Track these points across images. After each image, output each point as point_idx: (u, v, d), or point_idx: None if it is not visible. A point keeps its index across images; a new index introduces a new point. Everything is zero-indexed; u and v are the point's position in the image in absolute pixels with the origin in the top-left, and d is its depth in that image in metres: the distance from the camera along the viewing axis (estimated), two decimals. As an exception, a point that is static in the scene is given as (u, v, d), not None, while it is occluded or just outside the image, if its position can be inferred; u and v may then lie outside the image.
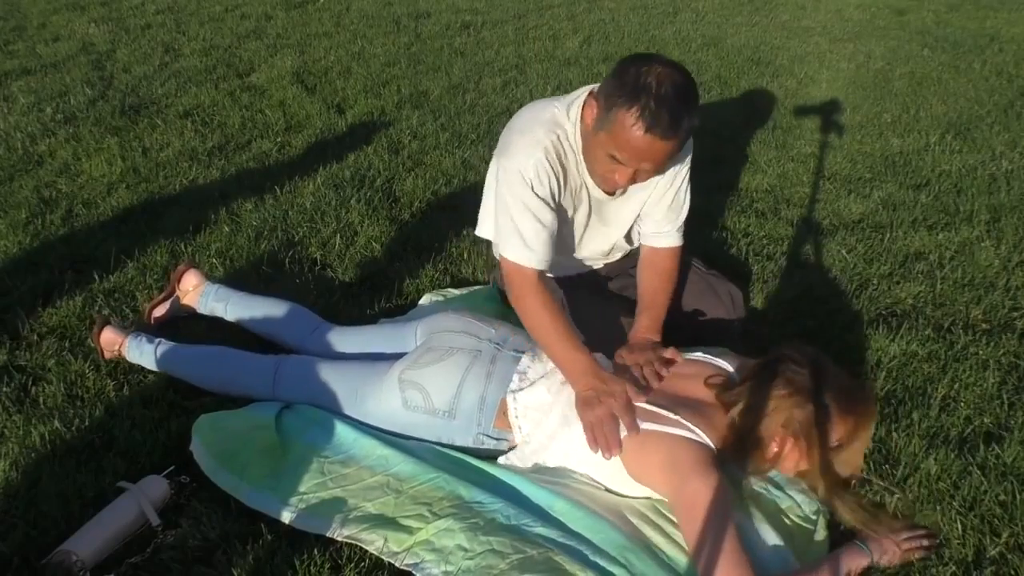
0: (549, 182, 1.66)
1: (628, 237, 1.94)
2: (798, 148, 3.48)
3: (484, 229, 1.94)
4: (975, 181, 3.18)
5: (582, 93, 1.69)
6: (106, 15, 5.47)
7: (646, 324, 1.79)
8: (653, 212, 1.86)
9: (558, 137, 1.67)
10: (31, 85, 4.04)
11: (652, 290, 1.85)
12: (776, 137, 3.61)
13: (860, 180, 3.19)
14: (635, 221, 1.90)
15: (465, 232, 2.63)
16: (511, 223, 1.67)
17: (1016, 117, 3.95)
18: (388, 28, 5.30)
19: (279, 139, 3.42)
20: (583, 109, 1.65)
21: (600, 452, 1.47)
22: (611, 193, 1.77)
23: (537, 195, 1.65)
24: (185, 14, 5.57)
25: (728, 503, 1.36)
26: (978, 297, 2.34)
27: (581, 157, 1.70)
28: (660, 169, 1.63)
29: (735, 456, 1.48)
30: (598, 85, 1.65)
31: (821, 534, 1.51)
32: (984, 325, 2.22)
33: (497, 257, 1.80)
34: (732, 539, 1.31)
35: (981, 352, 2.08)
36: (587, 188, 1.76)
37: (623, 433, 1.47)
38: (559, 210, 1.72)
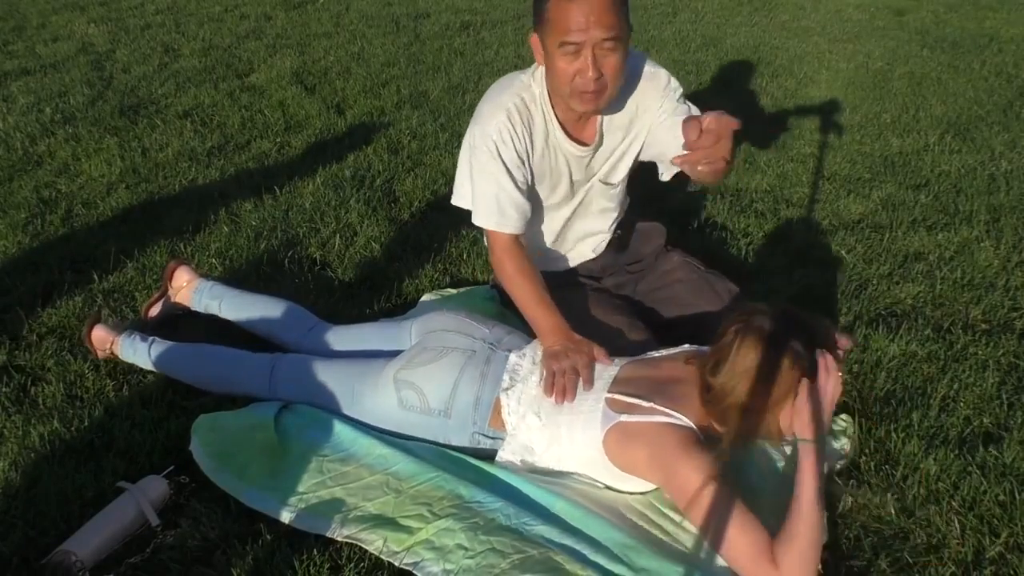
0: (514, 142, 1.70)
1: (607, 182, 1.89)
2: (797, 148, 3.48)
3: (459, 197, 1.93)
4: (974, 181, 3.18)
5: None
6: (105, 15, 5.47)
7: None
8: (667, 132, 1.74)
9: (523, 99, 1.72)
10: (30, 85, 4.04)
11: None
12: (775, 137, 3.61)
13: (859, 180, 3.19)
14: (615, 165, 1.88)
15: (465, 232, 2.63)
16: (481, 188, 1.73)
17: (1015, 117, 3.95)
18: (388, 28, 5.30)
19: (278, 139, 3.42)
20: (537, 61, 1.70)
21: (553, 397, 1.55)
22: (586, 144, 1.78)
23: (502, 158, 1.70)
24: (184, 14, 5.57)
25: (719, 475, 1.37)
26: (978, 297, 2.34)
27: (552, 115, 1.73)
28: (613, 30, 1.56)
29: (741, 433, 1.46)
30: None
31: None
32: (984, 325, 2.23)
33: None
34: (738, 509, 1.32)
35: (980, 352, 2.08)
36: (559, 145, 1.78)
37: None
38: (536, 175, 1.77)
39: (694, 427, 1.45)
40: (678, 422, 1.44)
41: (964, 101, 4.19)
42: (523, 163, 1.73)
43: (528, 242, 1.86)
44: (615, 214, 1.99)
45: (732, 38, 5.33)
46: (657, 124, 1.80)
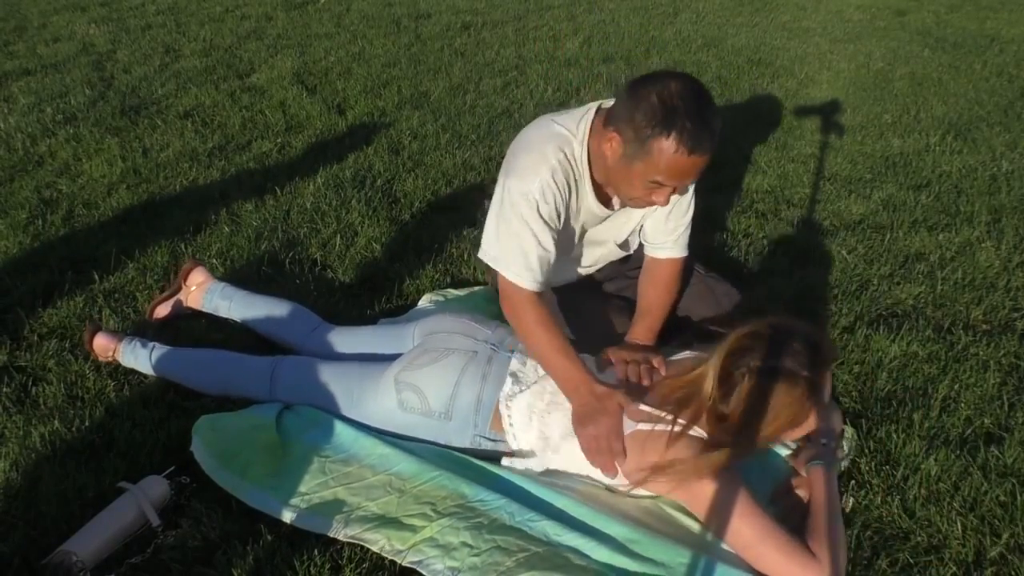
0: (555, 201, 1.64)
1: (624, 244, 1.94)
2: (798, 149, 3.48)
3: (484, 251, 1.80)
4: (975, 182, 3.18)
5: (589, 110, 1.67)
6: (106, 16, 5.48)
7: (640, 332, 1.80)
8: (652, 222, 1.85)
9: (565, 156, 1.64)
10: (31, 86, 4.05)
11: (649, 300, 1.86)
12: (776, 138, 3.61)
13: (860, 181, 3.19)
14: (633, 230, 1.90)
15: (465, 232, 2.63)
16: (512, 243, 1.65)
17: (1016, 118, 3.95)
18: (388, 29, 5.30)
19: (279, 140, 3.42)
20: (600, 141, 1.60)
21: (599, 470, 1.51)
22: (609, 207, 1.77)
23: (542, 216, 1.63)
24: (185, 15, 5.57)
25: (740, 484, 1.37)
26: (978, 298, 2.34)
27: (586, 175, 1.68)
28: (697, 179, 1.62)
29: (739, 446, 1.47)
30: (606, 104, 1.65)
31: None
32: (984, 326, 2.22)
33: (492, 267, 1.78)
34: (761, 515, 1.34)
35: (981, 353, 2.08)
36: (586, 205, 1.74)
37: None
38: (563, 228, 1.72)
39: (708, 438, 1.45)
40: (695, 433, 1.45)
41: (965, 102, 4.19)
42: (559, 220, 1.67)
43: None
44: (626, 235, 1.97)
45: (733, 39, 5.33)
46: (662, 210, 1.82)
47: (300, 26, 5.31)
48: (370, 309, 2.22)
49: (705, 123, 1.46)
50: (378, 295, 2.28)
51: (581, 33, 5.33)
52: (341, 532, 1.45)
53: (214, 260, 2.43)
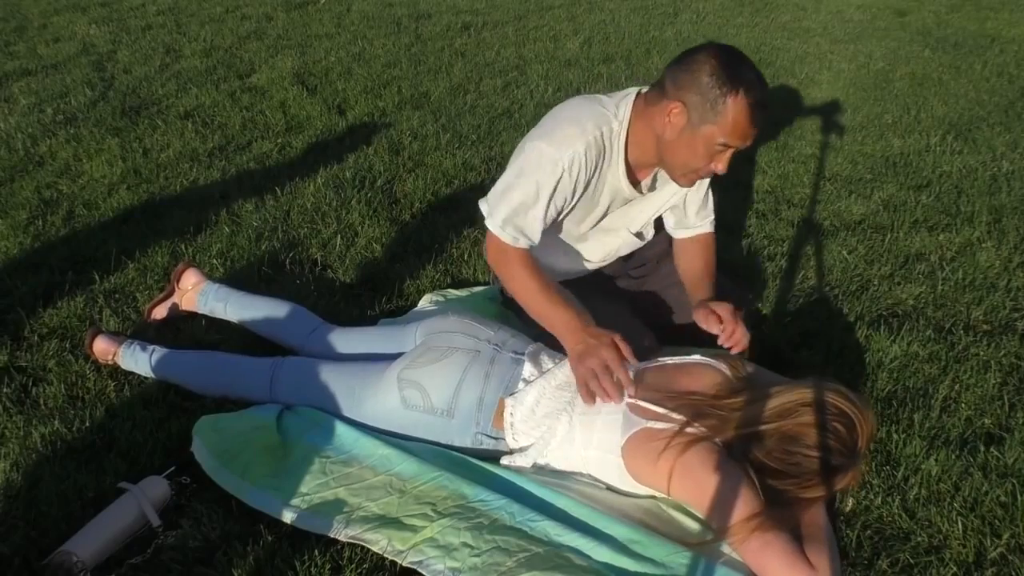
0: (579, 176, 1.65)
1: (638, 234, 1.94)
2: (799, 149, 3.48)
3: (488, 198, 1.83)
4: (976, 182, 3.18)
5: (628, 93, 1.69)
6: (107, 16, 5.48)
7: (705, 292, 1.81)
8: (686, 206, 1.89)
9: (601, 134, 1.66)
10: (32, 86, 4.05)
11: (697, 268, 1.88)
12: (777, 138, 3.61)
13: (861, 181, 3.19)
14: (650, 219, 1.92)
15: (466, 233, 2.63)
16: (518, 198, 1.65)
17: (1017, 118, 3.95)
18: (389, 29, 5.30)
19: (280, 140, 3.42)
20: (654, 117, 1.62)
21: (598, 400, 1.51)
22: (639, 188, 1.79)
23: (560, 184, 1.64)
24: (186, 15, 5.57)
25: (754, 490, 1.37)
26: (979, 298, 2.34)
27: (621, 156, 1.70)
28: None
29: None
30: (644, 89, 1.68)
31: None
32: (985, 326, 2.22)
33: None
34: (769, 519, 1.33)
35: (982, 353, 2.08)
36: (615, 185, 1.76)
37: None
38: (580, 206, 1.74)
39: (718, 441, 1.45)
40: (705, 435, 1.44)
41: (965, 102, 4.19)
42: (573, 197, 1.69)
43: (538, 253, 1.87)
44: (643, 223, 1.98)
45: (733, 39, 5.33)
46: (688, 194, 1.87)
47: (300, 26, 5.31)
48: (370, 309, 2.22)
49: (764, 82, 1.55)
50: (378, 295, 2.29)
51: (581, 33, 5.33)
52: (342, 532, 1.45)
53: (214, 260, 2.43)
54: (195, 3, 5.92)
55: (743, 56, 1.56)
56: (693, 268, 1.90)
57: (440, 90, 4.11)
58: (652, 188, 1.83)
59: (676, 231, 1.95)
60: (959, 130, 3.75)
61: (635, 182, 1.78)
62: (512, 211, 1.66)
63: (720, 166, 1.62)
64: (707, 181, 1.89)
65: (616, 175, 1.73)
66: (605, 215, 1.84)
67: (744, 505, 1.34)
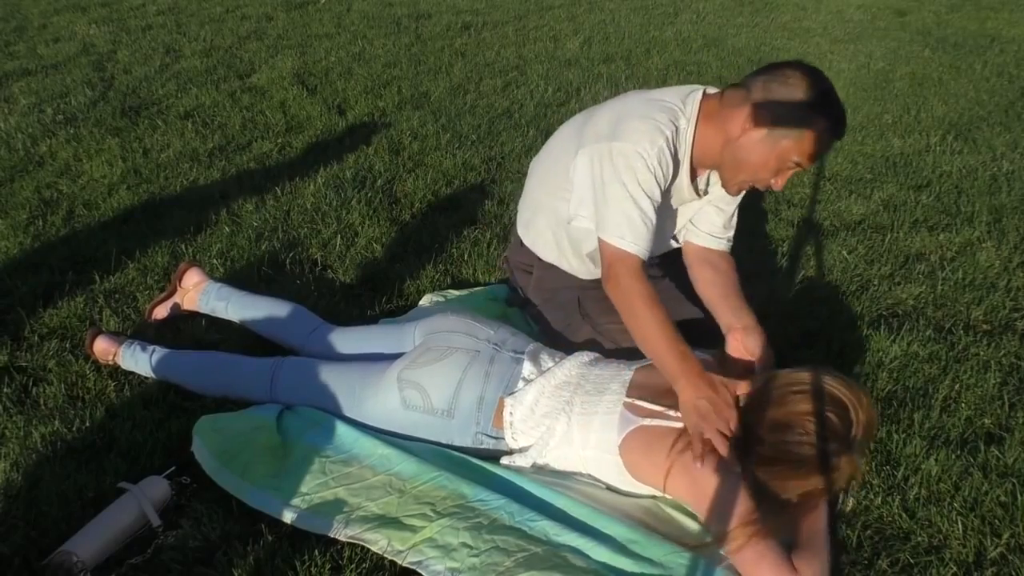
0: (666, 171, 1.63)
1: (676, 238, 1.93)
2: (799, 149, 3.48)
3: (581, 216, 1.76)
4: (976, 182, 3.18)
5: (695, 90, 1.68)
6: (107, 16, 5.48)
7: (747, 323, 1.71)
8: (717, 215, 1.85)
9: (677, 130, 1.64)
10: (32, 86, 4.05)
11: (723, 292, 1.80)
12: (777, 138, 3.60)
13: (861, 181, 3.19)
14: (686, 223, 1.89)
15: (466, 233, 2.63)
16: (618, 206, 1.61)
17: (1017, 118, 3.95)
18: (389, 29, 5.31)
19: (280, 140, 3.42)
20: (730, 121, 1.60)
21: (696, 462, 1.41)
22: (697, 191, 1.78)
23: (656, 181, 1.61)
24: (186, 15, 5.57)
25: (742, 486, 1.36)
26: (979, 298, 2.34)
27: (688, 154, 1.67)
28: None
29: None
30: (711, 89, 1.67)
31: None
32: (985, 326, 2.22)
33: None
34: (766, 528, 1.31)
35: (982, 353, 2.08)
36: (681, 185, 1.73)
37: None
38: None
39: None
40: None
41: (966, 102, 4.19)
42: (660, 193, 1.64)
43: (564, 250, 1.86)
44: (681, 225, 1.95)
45: (733, 39, 5.33)
46: (712, 201, 1.84)
47: (300, 26, 5.31)
48: (370, 309, 2.22)
49: (842, 106, 1.56)
50: (378, 295, 2.29)
51: (581, 33, 5.33)
52: (341, 532, 1.45)
53: (214, 260, 2.43)
54: (195, 3, 5.92)
55: (829, 80, 1.56)
56: (719, 283, 1.82)
57: (440, 90, 4.11)
58: (706, 192, 1.80)
59: (700, 238, 1.88)
60: (959, 130, 3.75)
61: (696, 187, 1.75)
62: (629, 216, 1.59)
63: (779, 182, 1.62)
64: (739, 198, 1.85)
65: (683, 173, 1.70)
66: (667, 217, 1.78)
67: (742, 508, 1.34)
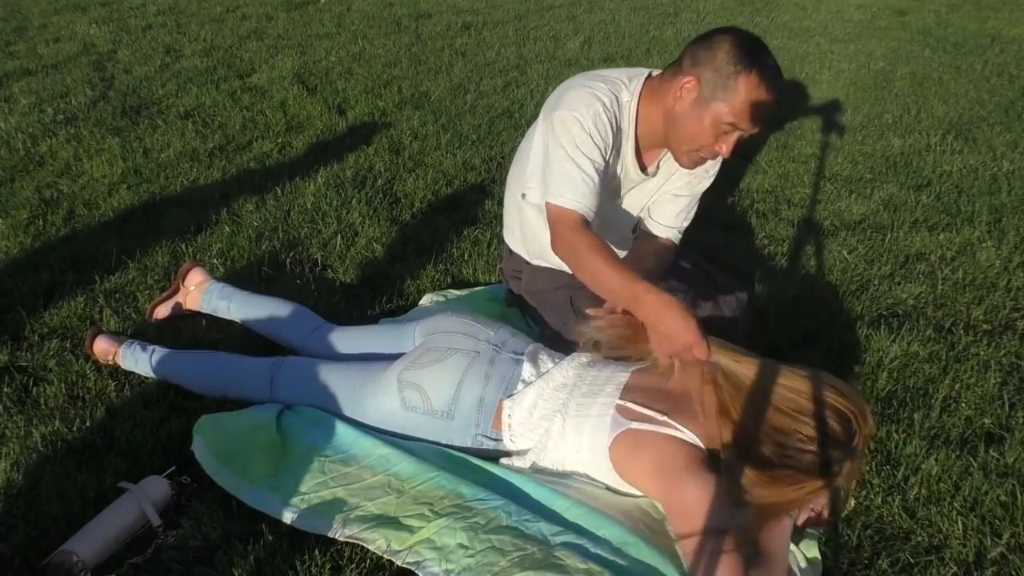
0: (603, 134, 1.64)
1: (633, 229, 1.94)
2: (799, 149, 3.48)
3: (528, 186, 1.80)
4: (976, 182, 3.18)
5: (639, 71, 1.70)
6: (107, 16, 5.48)
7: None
8: (669, 204, 1.86)
9: (616, 99, 1.66)
10: (32, 86, 4.05)
11: (639, 262, 1.83)
12: (777, 138, 3.61)
13: (861, 181, 3.19)
14: (646, 205, 1.90)
15: (466, 232, 2.63)
16: (560, 167, 1.63)
17: (1017, 117, 3.95)
18: (389, 29, 5.30)
19: (280, 140, 3.42)
20: (667, 93, 1.63)
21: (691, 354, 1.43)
22: (646, 172, 1.77)
23: (593, 141, 1.63)
24: (186, 15, 5.57)
25: (724, 505, 1.34)
26: (979, 298, 2.34)
27: (632, 130, 1.69)
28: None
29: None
30: (655, 72, 1.69)
31: (812, 551, 1.49)
32: (985, 326, 2.22)
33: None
34: (730, 543, 1.28)
35: (982, 353, 2.08)
36: (624, 162, 1.75)
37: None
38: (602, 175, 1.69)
39: (703, 447, 1.44)
40: (688, 439, 1.43)
41: (966, 101, 4.19)
42: (604, 156, 1.65)
43: (541, 242, 1.85)
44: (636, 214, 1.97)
45: (733, 38, 5.32)
46: (668, 190, 1.84)
47: (300, 26, 5.31)
48: (371, 309, 2.23)
49: (779, 71, 1.55)
50: (379, 295, 2.29)
51: (582, 33, 5.33)
52: (340, 532, 1.45)
53: (215, 260, 2.43)
54: (195, 3, 5.92)
55: (763, 43, 1.58)
56: (644, 258, 1.87)
57: (440, 90, 4.11)
58: (655, 174, 1.82)
59: (653, 227, 1.91)
60: (959, 130, 3.75)
61: (642, 166, 1.77)
62: (564, 180, 1.61)
63: (725, 148, 1.62)
64: (699, 195, 1.87)
65: (626, 150, 1.72)
66: (610, 201, 1.80)
67: (710, 516, 1.31)
